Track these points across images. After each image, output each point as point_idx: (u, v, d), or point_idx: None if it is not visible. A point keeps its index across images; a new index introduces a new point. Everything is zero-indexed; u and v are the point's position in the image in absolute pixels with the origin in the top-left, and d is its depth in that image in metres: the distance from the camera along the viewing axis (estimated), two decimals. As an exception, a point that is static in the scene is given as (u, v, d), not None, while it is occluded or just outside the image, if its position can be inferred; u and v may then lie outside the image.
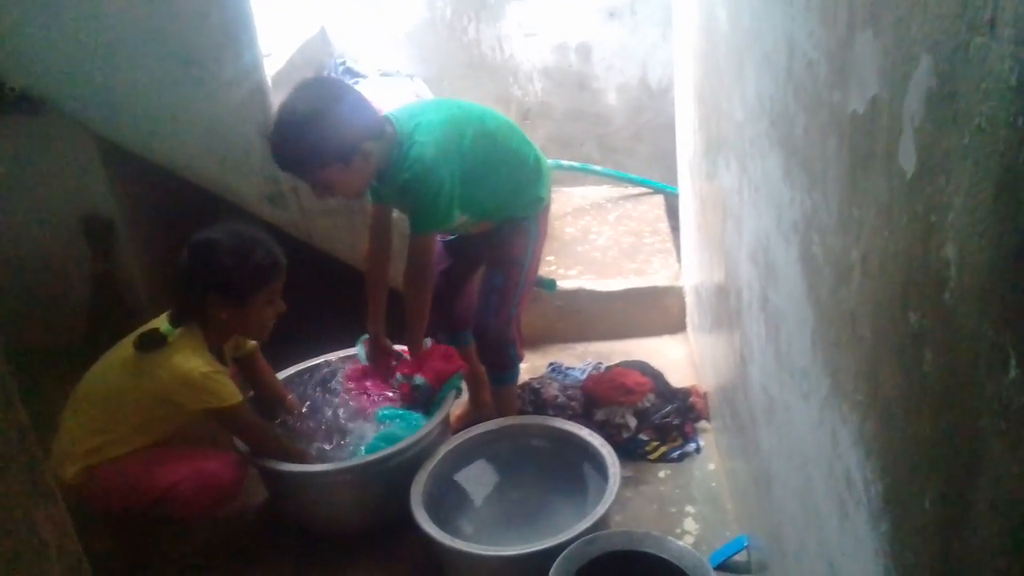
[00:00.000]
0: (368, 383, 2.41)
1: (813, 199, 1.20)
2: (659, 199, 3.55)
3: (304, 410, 2.38)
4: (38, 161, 2.75)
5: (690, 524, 2.21)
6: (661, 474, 2.39)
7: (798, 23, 1.21)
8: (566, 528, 1.90)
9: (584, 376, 2.75)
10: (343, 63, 3.36)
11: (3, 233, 2.85)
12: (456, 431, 2.34)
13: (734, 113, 1.77)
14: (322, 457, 2.22)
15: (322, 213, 2.66)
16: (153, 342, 2.00)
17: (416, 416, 2.26)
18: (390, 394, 2.36)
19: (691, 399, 2.56)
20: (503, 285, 2.30)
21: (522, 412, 2.51)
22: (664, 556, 1.76)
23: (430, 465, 2.13)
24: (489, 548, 1.90)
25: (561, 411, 2.50)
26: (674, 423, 2.49)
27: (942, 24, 0.73)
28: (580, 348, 3.03)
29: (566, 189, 3.55)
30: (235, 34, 2.40)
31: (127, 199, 2.90)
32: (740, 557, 2.01)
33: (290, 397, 2.38)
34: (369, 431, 2.26)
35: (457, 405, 2.48)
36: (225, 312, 2.02)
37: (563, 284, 2.95)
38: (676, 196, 3.13)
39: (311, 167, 2.01)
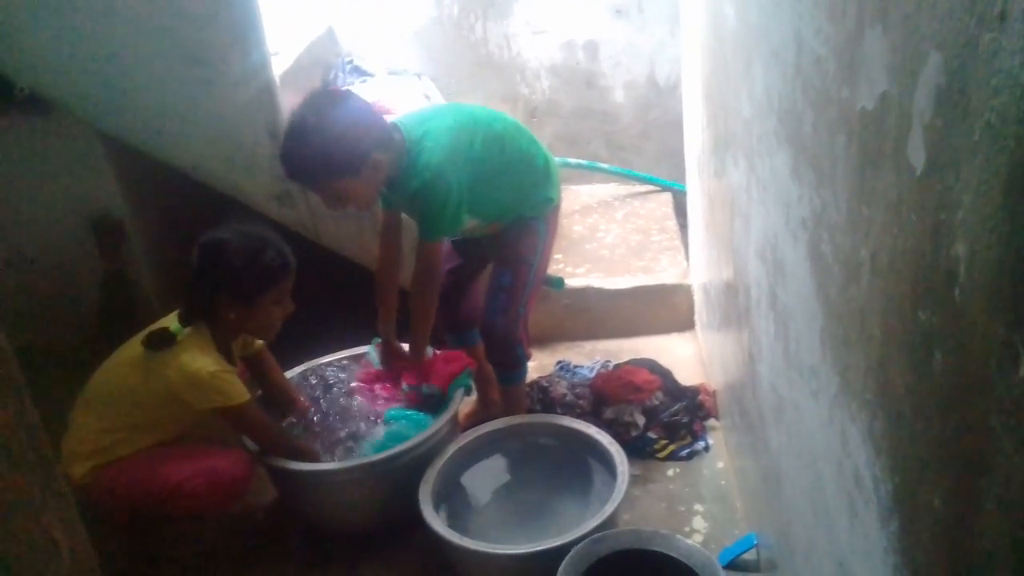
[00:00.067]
0: (378, 386, 2.41)
1: (822, 196, 1.19)
2: (667, 197, 3.54)
3: (312, 409, 2.38)
4: (47, 161, 2.77)
5: (699, 523, 2.21)
6: (670, 472, 2.39)
7: (806, 19, 1.20)
8: (574, 526, 1.90)
9: (592, 374, 2.75)
10: (350, 62, 3.36)
11: (13, 233, 2.87)
12: (464, 430, 2.34)
13: (742, 110, 1.77)
14: (330, 456, 2.22)
15: (330, 212, 2.66)
16: (162, 341, 2.01)
17: (424, 416, 2.27)
18: (400, 398, 2.37)
19: (700, 397, 2.55)
20: (511, 284, 2.30)
21: (530, 410, 2.51)
22: (673, 555, 1.76)
23: (438, 463, 2.14)
24: (498, 546, 1.90)
25: (569, 409, 2.50)
26: (683, 421, 2.48)
27: (952, 20, 0.72)
28: (588, 346, 3.02)
29: (574, 187, 3.54)
30: (243, 33, 2.41)
31: (136, 199, 2.92)
32: (749, 556, 2.00)
33: (301, 399, 2.39)
34: (377, 431, 2.26)
35: (465, 404, 2.48)
36: (233, 312, 2.03)
37: (571, 282, 2.95)
38: (684, 194, 3.13)
39: (321, 178, 2.03)
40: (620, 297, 3.01)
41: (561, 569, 1.75)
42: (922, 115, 0.80)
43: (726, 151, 2.03)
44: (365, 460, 2.14)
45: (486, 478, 2.26)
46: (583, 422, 2.25)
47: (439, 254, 2.19)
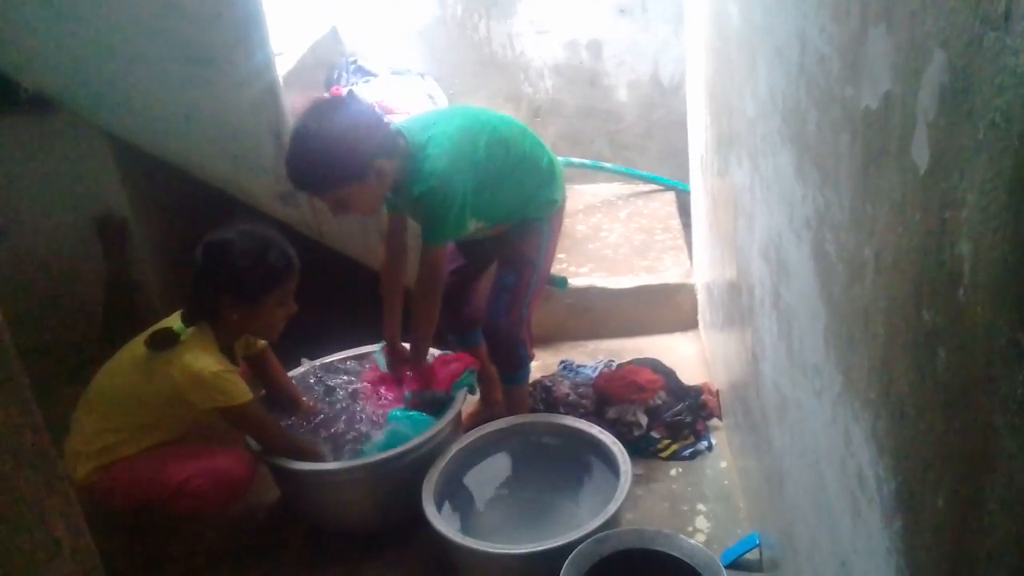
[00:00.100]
0: (383, 388, 2.41)
1: (825, 196, 1.19)
2: (670, 196, 3.54)
3: (316, 408, 2.39)
4: (52, 161, 2.78)
5: (702, 522, 2.21)
6: (673, 472, 2.39)
7: (810, 18, 1.20)
8: (577, 526, 1.90)
9: (595, 374, 2.74)
10: (354, 61, 3.36)
11: (17, 233, 2.87)
12: (468, 429, 2.34)
13: (746, 109, 1.77)
14: (333, 456, 2.22)
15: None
16: (165, 341, 2.01)
17: (426, 416, 2.27)
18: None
19: (703, 397, 2.55)
20: (515, 285, 2.30)
21: (533, 410, 2.51)
22: (676, 554, 1.76)
23: (441, 463, 2.14)
24: (501, 546, 1.90)
25: (572, 409, 2.50)
26: (686, 421, 2.48)
27: (956, 18, 0.72)
28: (591, 346, 3.02)
29: (577, 186, 3.54)
30: (247, 33, 2.41)
31: (140, 199, 2.92)
32: (752, 555, 2.00)
33: (306, 400, 2.39)
34: (379, 431, 2.26)
35: (468, 404, 2.48)
36: (236, 312, 2.03)
37: (574, 282, 2.95)
38: (687, 193, 3.12)
39: (326, 187, 2.03)
40: (623, 296, 3.00)
41: (564, 569, 1.75)
42: (926, 114, 0.80)
43: (730, 150, 2.02)
44: (367, 460, 2.14)
45: (489, 478, 2.26)
46: (586, 422, 2.25)
47: (443, 258, 2.19)
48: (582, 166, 3.54)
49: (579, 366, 2.84)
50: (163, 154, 2.63)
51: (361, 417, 2.33)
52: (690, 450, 2.44)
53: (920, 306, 0.85)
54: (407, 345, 2.38)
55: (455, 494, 2.17)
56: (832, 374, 1.21)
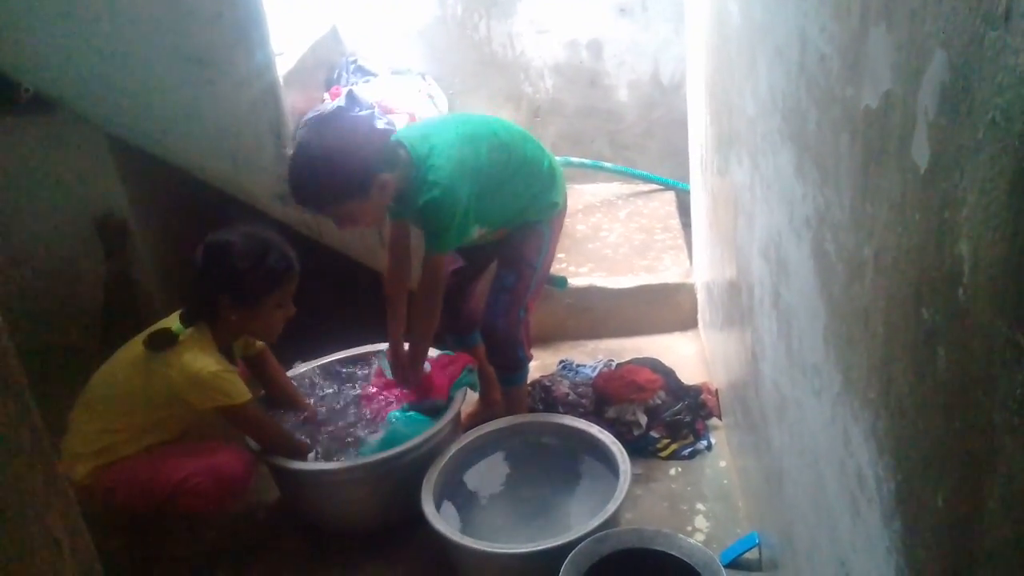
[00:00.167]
0: (387, 393, 2.41)
1: (825, 195, 1.19)
2: (670, 196, 3.54)
3: (315, 408, 2.38)
4: (51, 161, 2.77)
5: (701, 522, 2.21)
6: (672, 472, 2.39)
7: (811, 17, 1.20)
8: (576, 526, 1.90)
9: (595, 373, 2.74)
10: (354, 61, 3.36)
11: (16, 233, 2.87)
12: (467, 429, 2.34)
13: (746, 108, 1.77)
14: (332, 456, 2.22)
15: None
16: (164, 341, 2.01)
17: (425, 417, 2.26)
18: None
19: (702, 396, 2.55)
20: (514, 286, 2.30)
21: (532, 410, 2.51)
22: (675, 554, 1.76)
23: (441, 463, 2.14)
24: (500, 545, 1.90)
25: (572, 409, 2.50)
26: (685, 420, 2.48)
27: (956, 18, 0.72)
28: (591, 345, 3.02)
29: (577, 186, 3.54)
30: (247, 33, 2.41)
31: (140, 199, 2.92)
32: (751, 555, 2.00)
33: (307, 401, 2.39)
34: (379, 431, 2.26)
35: (468, 403, 2.48)
36: (235, 313, 2.04)
37: (574, 281, 2.95)
38: (687, 192, 3.12)
39: (330, 203, 2.04)
40: (623, 296, 3.00)
41: (563, 568, 1.75)
42: (926, 113, 0.80)
43: (730, 149, 2.02)
44: (367, 460, 2.14)
45: (488, 477, 2.26)
46: (585, 421, 2.25)
47: (444, 267, 2.21)
48: (582, 166, 3.54)
49: (578, 366, 2.84)
50: (163, 154, 2.63)
51: (361, 418, 2.33)
52: (689, 450, 2.44)
53: (920, 305, 0.85)
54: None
55: (455, 494, 2.17)
56: (831, 374, 1.21)
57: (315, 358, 2.55)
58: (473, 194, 2.10)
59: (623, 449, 2.10)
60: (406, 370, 2.36)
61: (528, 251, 2.31)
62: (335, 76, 3.24)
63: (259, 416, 2.14)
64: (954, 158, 0.75)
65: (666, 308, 3.02)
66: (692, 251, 3.06)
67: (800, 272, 1.37)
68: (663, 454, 2.43)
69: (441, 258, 2.17)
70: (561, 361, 2.88)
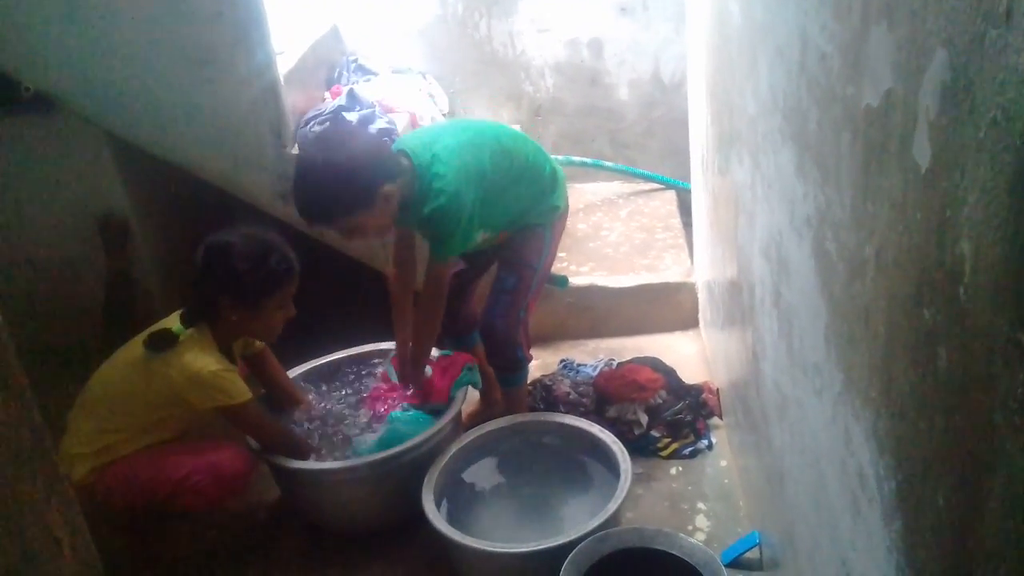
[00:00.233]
0: (391, 398, 2.41)
1: (826, 194, 1.19)
2: (671, 195, 3.54)
3: (316, 406, 2.38)
4: (52, 160, 2.77)
5: (702, 521, 2.21)
6: (673, 471, 2.39)
7: (811, 16, 1.20)
8: (577, 525, 1.90)
9: (596, 373, 2.74)
10: (355, 60, 3.36)
11: (17, 232, 2.87)
12: (468, 428, 2.34)
13: (747, 108, 1.76)
14: (332, 455, 2.22)
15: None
16: (164, 341, 2.02)
17: (426, 416, 2.27)
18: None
19: (703, 395, 2.55)
20: (514, 287, 2.31)
21: (533, 409, 2.51)
22: (676, 553, 1.76)
23: (441, 462, 2.14)
24: (501, 545, 1.90)
25: (573, 408, 2.50)
26: (686, 420, 2.48)
27: (957, 16, 0.72)
28: (592, 344, 3.02)
29: (578, 185, 3.54)
30: (248, 33, 2.41)
31: (141, 198, 2.92)
32: (752, 554, 2.00)
33: (307, 398, 2.39)
34: (379, 430, 2.26)
35: (468, 403, 2.48)
36: (236, 314, 2.04)
37: (575, 280, 2.95)
38: (688, 192, 3.12)
39: (336, 217, 2.05)
40: (624, 295, 3.00)
41: (564, 567, 1.75)
42: (927, 112, 0.80)
43: (731, 149, 2.02)
44: (367, 459, 2.14)
45: (489, 476, 2.26)
46: (586, 420, 2.25)
47: (448, 275, 2.22)
48: (583, 165, 3.54)
49: (579, 365, 2.84)
50: (164, 153, 2.63)
51: (362, 418, 2.33)
52: (690, 449, 2.44)
53: (921, 305, 0.85)
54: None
55: (455, 493, 2.17)
56: (832, 373, 1.21)
57: (314, 357, 2.54)
58: (478, 200, 2.11)
59: (624, 448, 2.10)
60: (408, 372, 2.36)
61: (529, 254, 2.31)
62: (336, 75, 3.24)
63: (260, 415, 2.14)
64: (955, 157, 0.75)
65: (667, 307, 3.02)
66: (693, 250, 3.06)
67: (801, 271, 1.37)
68: (664, 453, 2.43)
69: (445, 266, 2.18)
70: (562, 360, 2.88)
